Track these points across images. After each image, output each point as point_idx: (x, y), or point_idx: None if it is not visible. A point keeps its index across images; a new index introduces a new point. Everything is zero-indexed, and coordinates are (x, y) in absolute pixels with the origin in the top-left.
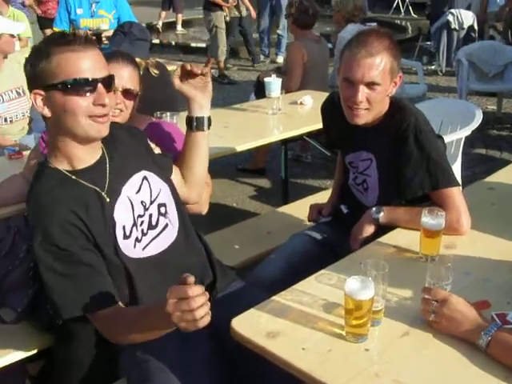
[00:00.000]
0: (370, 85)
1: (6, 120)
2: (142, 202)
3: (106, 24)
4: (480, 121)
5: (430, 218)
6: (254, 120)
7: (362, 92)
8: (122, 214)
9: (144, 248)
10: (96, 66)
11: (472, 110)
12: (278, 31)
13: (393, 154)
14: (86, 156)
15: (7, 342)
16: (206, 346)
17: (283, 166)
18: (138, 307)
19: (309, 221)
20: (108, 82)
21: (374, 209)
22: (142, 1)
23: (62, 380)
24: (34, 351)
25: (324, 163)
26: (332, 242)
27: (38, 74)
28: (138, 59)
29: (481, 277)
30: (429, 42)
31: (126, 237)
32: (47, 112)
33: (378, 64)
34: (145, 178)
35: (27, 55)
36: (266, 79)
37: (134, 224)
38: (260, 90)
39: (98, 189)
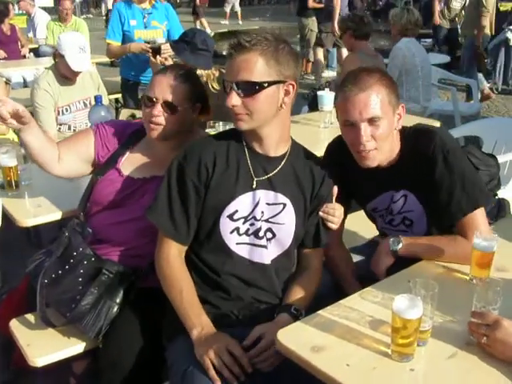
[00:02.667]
0: (372, 121)
1: (69, 128)
2: (262, 212)
3: (160, 35)
4: None
5: (481, 240)
6: (306, 133)
7: (365, 130)
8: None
9: (237, 243)
10: None
11: None
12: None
13: (429, 179)
14: None
15: (54, 340)
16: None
17: None
18: (192, 293)
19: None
20: None
21: (391, 240)
22: None
23: (105, 380)
24: (80, 350)
25: None
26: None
27: None
28: (199, 71)
29: None
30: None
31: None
32: None
33: (373, 98)
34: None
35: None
36: (319, 92)
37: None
38: (314, 103)
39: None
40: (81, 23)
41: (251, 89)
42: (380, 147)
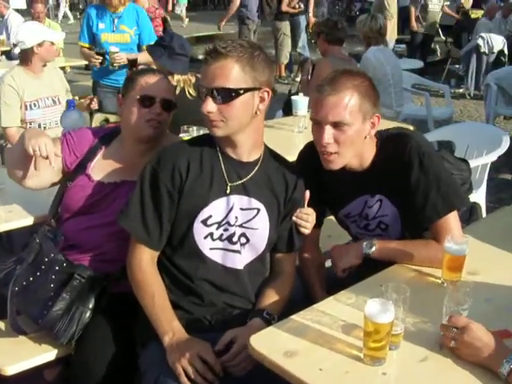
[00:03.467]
0: (337, 125)
1: (39, 126)
2: (236, 218)
3: (127, 40)
4: (507, 146)
5: (453, 244)
6: (280, 137)
7: (328, 132)
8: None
9: (211, 249)
10: None
11: (499, 135)
12: (299, 50)
13: (405, 183)
14: None
15: (25, 347)
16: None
17: None
18: (164, 299)
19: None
20: None
21: (365, 243)
22: None
23: None
24: (52, 358)
25: None
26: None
27: None
28: (176, 77)
29: (502, 305)
30: (457, 65)
31: (205, 224)
32: None
33: (343, 102)
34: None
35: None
36: (293, 97)
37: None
38: (288, 108)
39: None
40: (55, 26)
41: (227, 95)
42: (341, 153)
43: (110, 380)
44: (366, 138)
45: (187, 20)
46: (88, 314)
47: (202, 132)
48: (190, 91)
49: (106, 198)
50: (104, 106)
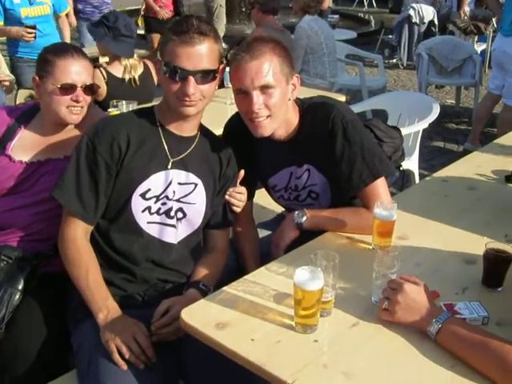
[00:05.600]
0: (264, 89)
1: None
2: (174, 192)
3: (47, 11)
4: (437, 114)
5: (381, 209)
6: (213, 110)
7: (257, 98)
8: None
9: (148, 222)
10: None
11: (430, 103)
12: None
13: (330, 152)
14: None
15: None
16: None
17: None
18: (98, 275)
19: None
20: None
21: (296, 213)
22: None
23: (9, 372)
24: None
25: None
26: None
27: None
28: (124, 61)
29: (431, 268)
30: (391, 36)
31: (143, 197)
32: None
33: (265, 67)
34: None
35: None
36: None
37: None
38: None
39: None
40: None
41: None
42: (273, 114)
43: (44, 362)
44: (289, 100)
45: None
46: (18, 296)
47: (131, 106)
48: (136, 78)
49: (31, 177)
50: (26, 81)
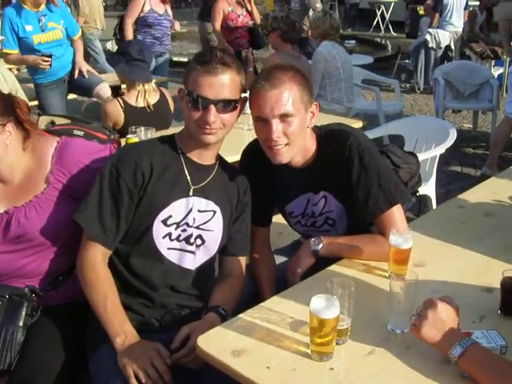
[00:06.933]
0: (283, 117)
1: None
2: (194, 219)
3: (59, 36)
4: (454, 139)
5: (397, 237)
6: (230, 136)
7: (277, 126)
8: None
9: (169, 248)
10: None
11: (446, 128)
12: None
13: (346, 179)
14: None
15: None
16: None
17: None
18: (116, 300)
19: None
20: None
21: (312, 240)
22: None
23: None
24: None
25: None
26: None
27: None
28: (138, 86)
29: (448, 295)
30: (407, 61)
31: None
32: None
33: (285, 95)
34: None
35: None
36: (242, 95)
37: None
38: None
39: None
40: None
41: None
42: (292, 142)
43: None
44: (308, 127)
45: None
46: (20, 333)
47: (149, 133)
48: (150, 104)
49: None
50: (49, 106)
